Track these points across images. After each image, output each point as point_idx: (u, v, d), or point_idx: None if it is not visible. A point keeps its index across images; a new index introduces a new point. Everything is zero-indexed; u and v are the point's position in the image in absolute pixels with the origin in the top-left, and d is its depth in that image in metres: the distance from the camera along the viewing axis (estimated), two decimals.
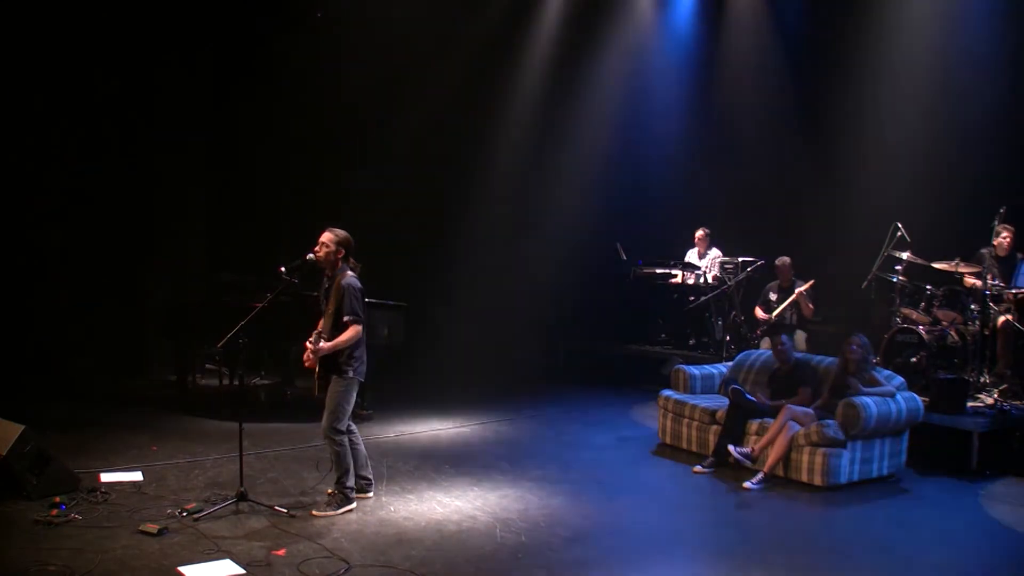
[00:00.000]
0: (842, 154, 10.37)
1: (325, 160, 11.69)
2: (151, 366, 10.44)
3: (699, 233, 10.82)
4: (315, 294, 6.06)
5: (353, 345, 5.75)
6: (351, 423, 5.94)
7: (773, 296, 9.60)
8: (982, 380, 7.89)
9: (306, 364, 5.87)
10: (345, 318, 5.69)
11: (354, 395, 5.88)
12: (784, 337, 7.45)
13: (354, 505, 5.82)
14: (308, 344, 5.70)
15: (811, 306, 9.30)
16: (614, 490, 6.51)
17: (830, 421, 6.56)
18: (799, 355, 7.61)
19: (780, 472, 6.67)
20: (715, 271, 10.60)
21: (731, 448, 6.73)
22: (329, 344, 5.66)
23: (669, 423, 7.73)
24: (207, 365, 10.35)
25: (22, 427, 5.83)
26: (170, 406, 8.80)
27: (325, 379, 5.79)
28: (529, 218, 12.31)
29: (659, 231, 11.69)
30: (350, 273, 5.80)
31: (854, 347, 6.88)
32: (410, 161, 11.79)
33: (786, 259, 9.52)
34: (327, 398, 5.79)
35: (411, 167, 11.80)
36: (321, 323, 5.89)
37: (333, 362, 5.74)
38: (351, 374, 5.78)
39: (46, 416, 7.55)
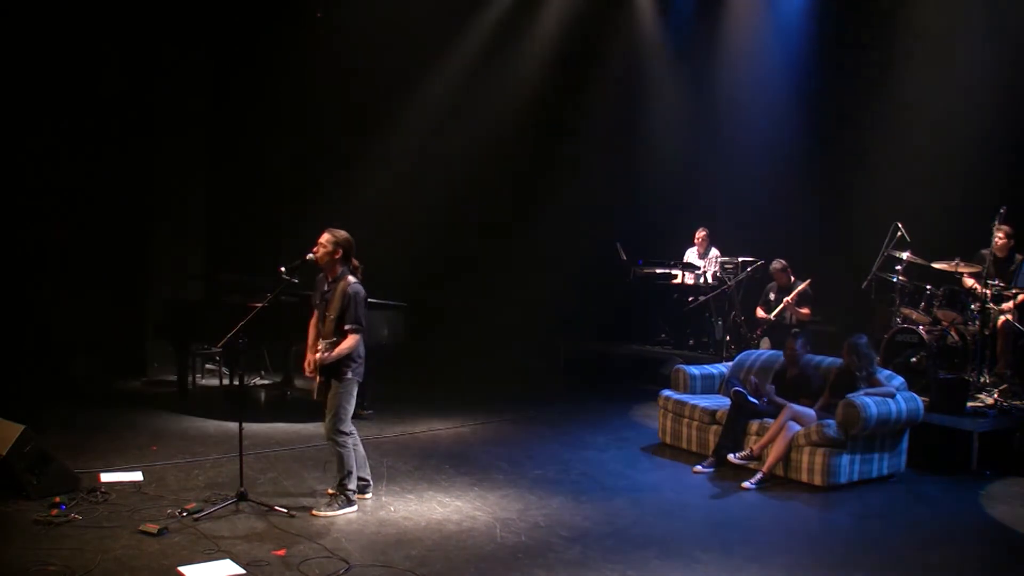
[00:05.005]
0: (842, 153, 10.38)
1: (326, 159, 11.70)
2: (151, 366, 10.44)
3: (700, 233, 10.81)
4: (311, 293, 6.06)
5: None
6: (352, 425, 5.93)
7: (772, 296, 9.58)
8: (982, 380, 7.89)
9: (307, 372, 5.88)
10: (347, 326, 5.70)
11: (355, 395, 5.88)
12: (799, 342, 7.35)
13: (355, 508, 5.82)
14: (315, 354, 5.70)
15: (803, 311, 9.22)
16: (614, 490, 6.51)
17: (830, 421, 6.56)
18: (807, 358, 7.57)
19: (780, 472, 6.67)
20: (714, 268, 10.60)
21: (731, 457, 6.76)
22: (332, 355, 5.67)
23: (669, 423, 7.73)
24: (207, 365, 10.36)
25: (22, 427, 5.83)
26: (170, 406, 8.79)
27: (326, 383, 5.79)
28: (529, 218, 12.31)
29: (659, 231, 11.69)
30: (352, 279, 5.79)
31: (846, 349, 6.94)
32: (410, 160, 11.79)
33: (780, 262, 9.49)
34: (328, 400, 5.80)
35: (411, 166, 11.81)
36: (312, 325, 5.90)
37: (334, 366, 5.75)
38: (351, 375, 5.79)
39: (46, 416, 7.56)
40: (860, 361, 6.84)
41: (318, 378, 5.79)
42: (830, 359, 7.34)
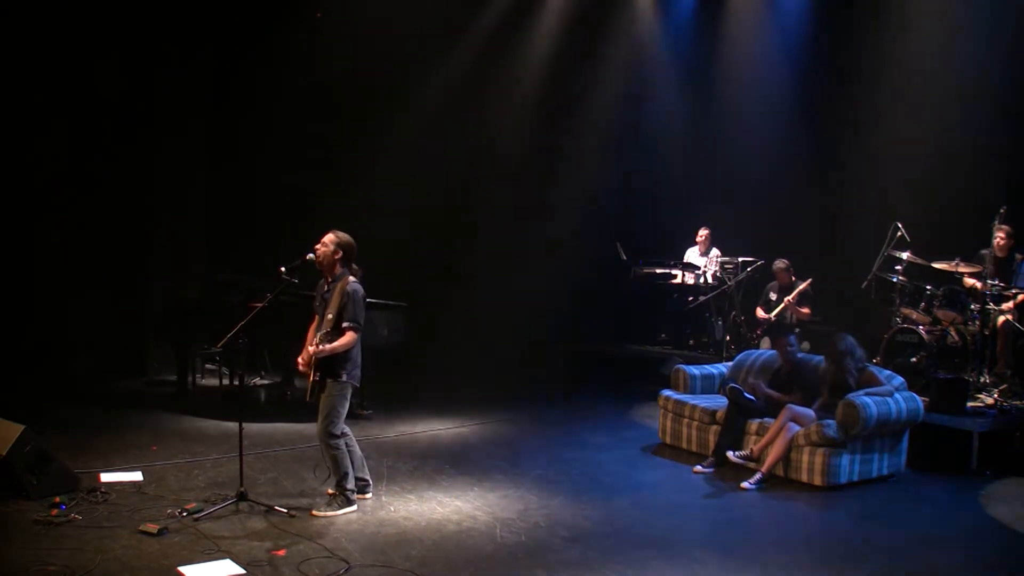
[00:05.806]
0: (842, 154, 10.38)
1: (325, 160, 11.69)
2: (151, 366, 10.44)
3: (702, 233, 10.81)
4: (311, 294, 6.06)
5: (349, 349, 5.75)
6: (345, 426, 5.94)
7: (773, 296, 9.59)
8: (982, 380, 7.89)
9: (300, 368, 5.87)
10: (344, 324, 5.69)
11: (348, 399, 5.88)
12: (792, 338, 7.43)
13: (355, 507, 5.82)
14: (310, 347, 5.70)
15: (804, 310, 9.25)
16: (614, 490, 6.51)
17: (830, 421, 6.55)
18: (801, 355, 7.60)
19: (780, 472, 6.67)
20: (715, 268, 10.60)
21: (730, 454, 6.76)
22: (328, 347, 5.66)
23: (669, 423, 7.73)
24: (207, 365, 10.36)
25: (22, 427, 5.83)
26: (170, 406, 8.79)
27: (321, 383, 5.78)
28: (529, 218, 12.31)
29: (659, 231, 11.69)
30: (352, 279, 5.80)
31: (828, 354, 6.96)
32: (410, 160, 11.79)
33: (783, 261, 9.50)
34: (321, 402, 5.79)
35: (411, 166, 11.81)
36: (312, 329, 5.90)
37: (329, 366, 5.73)
38: (345, 378, 5.77)
39: (46, 416, 7.56)
40: (845, 362, 6.82)
41: (312, 376, 5.78)
42: None
